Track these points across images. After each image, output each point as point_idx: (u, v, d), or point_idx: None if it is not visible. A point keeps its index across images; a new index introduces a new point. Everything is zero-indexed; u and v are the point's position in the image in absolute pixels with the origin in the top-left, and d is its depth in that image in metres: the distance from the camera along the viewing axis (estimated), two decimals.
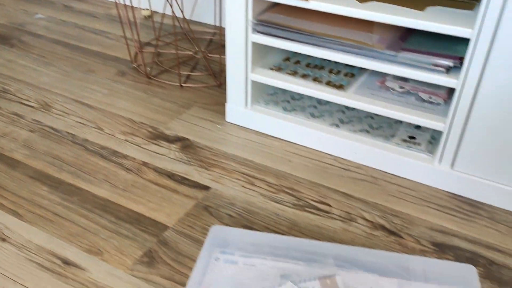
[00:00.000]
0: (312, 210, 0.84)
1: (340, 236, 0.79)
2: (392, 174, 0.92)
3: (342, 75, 0.99)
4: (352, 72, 1.01)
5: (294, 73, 0.99)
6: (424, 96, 0.91)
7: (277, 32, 0.93)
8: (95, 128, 1.04)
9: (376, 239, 0.78)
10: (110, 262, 0.72)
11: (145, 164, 0.94)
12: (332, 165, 0.95)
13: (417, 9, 0.82)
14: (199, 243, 0.77)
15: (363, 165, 0.94)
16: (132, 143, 0.99)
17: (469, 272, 0.68)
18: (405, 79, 0.94)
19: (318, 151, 0.98)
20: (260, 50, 1.01)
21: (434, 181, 0.89)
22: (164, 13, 1.49)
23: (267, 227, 0.80)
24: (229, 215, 0.82)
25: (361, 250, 0.72)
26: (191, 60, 1.34)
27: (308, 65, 1.03)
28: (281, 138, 1.02)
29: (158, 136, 1.02)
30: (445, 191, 0.88)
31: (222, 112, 1.10)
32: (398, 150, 0.91)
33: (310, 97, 1.07)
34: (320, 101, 1.06)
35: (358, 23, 0.92)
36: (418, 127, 0.97)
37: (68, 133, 1.02)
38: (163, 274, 0.70)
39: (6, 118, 1.06)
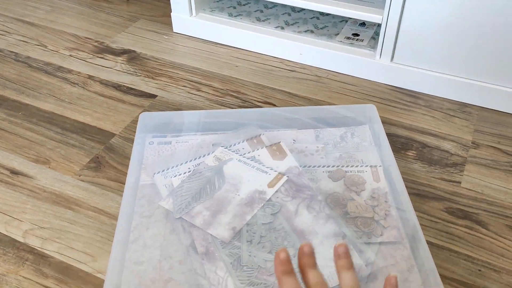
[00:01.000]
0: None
1: None
2: (336, 72, 0.93)
3: None
4: None
5: None
6: None
7: None
8: (38, 45, 1.02)
9: None
10: (58, 170, 0.74)
11: (91, 77, 0.93)
12: (277, 67, 0.95)
13: None
14: None
15: (308, 65, 0.95)
16: (77, 58, 0.98)
17: (371, 110, 0.78)
18: None
19: (264, 54, 0.98)
20: None
21: (376, 75, 0.90)
22: None
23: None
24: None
25: (279, 109, 0.79)
26: None
27: None
28: (228, 44, 1.01)
29: (103, 50, 1.00)
30: (386, 84, 0.90)
31: (169, 23, 1.07)
32: (341, 48, 0.92)
33: (256, 1, 1.05)
34: (266, 5, 1.04)
35: None
36: (362, 24, 0.97)
37: (11, 51, 1.00)
38: (110, 177, 0.73)
39: None
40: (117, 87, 0.90)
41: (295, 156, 0.71)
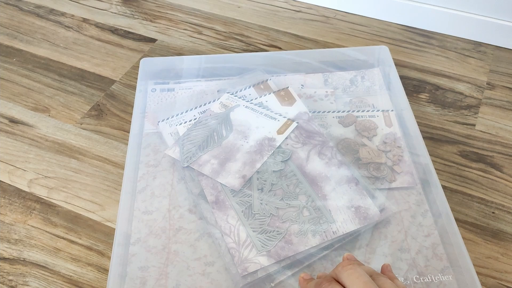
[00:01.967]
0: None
1: None
2: (344, 12, 0.88)
3: None
4: None
5: None
6: None
7: None
8: None
9: None
10: (58, 118, 0.72)
11: (85, 20, 0.88)
12: (282, 7, 0.90)
13: None
14: None
15: (315, 5, 0.90)
16: (69, 0, 0.93)
17: (383, 52, 0.74)
18: None
19: None
20: None
21: (387, 14, 0.86)
22: None
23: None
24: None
25: (286, 53, 0.76)
26: None
27: None
28: None
29: None
30: (397, 23, 0.86)
31: None
32: None
33: None
34: None
35: None
36: None
37: None
38: (113, 125, 0.70)
39: None
40: (114, 30, 0.86)
41: (304, 101, 0.68)
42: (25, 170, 0.64)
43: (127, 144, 0.63)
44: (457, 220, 0.58)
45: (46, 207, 0.60)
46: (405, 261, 0.52)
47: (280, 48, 0.82)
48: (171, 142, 0.64)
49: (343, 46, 0.82)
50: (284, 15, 0.88)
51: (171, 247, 0.54)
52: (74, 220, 0.59)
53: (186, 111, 0.68)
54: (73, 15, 0.89)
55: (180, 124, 0.66)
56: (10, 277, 0.54)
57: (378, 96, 0.70)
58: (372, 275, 0.41)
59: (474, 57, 0.80)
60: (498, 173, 0.63)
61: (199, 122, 0.65)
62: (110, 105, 0.73)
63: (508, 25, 0.79)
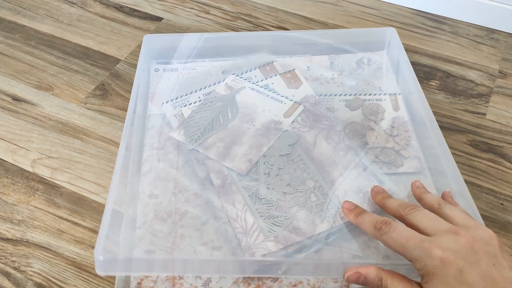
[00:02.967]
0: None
1: None
2: None
3: None
4: None
5: None
6: None
7: None
8: None
9: None
10: (62, 97, 0.70)
11: None
12: None
13: None
14: None
15: None
16: None
17: (390, 34, 0.73)
18: None
19: None
20: None
21: None
22: None
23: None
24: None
25: (292, 33, 0.76)
26: None
27: None
28: None
29: None
30: (409, 7, 0.84)
31: None
32: None
33: None
34: None
35: None
36: None
37: None
38: (117, 105, 0.69)
39: None
40: (119, 8, 0.84)
41: (310, 84, 0.67)
42: (28, 150, 0.63)
43: (132, 125, 0.62)
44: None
45: (50, 188, 0.60)
46: None
47: (288, 30, 0.80)
48: (175, 124, 0.63)
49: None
50: None
51: (178, 231, 0.53)
52: (78, 202, 0.58)
53: (191, 93, 0.67)
54: None
55: (185, 106, 0.65)
56: (14, 258, 0.53)
57: (385, 79, 0.69)
58: (437, 203, 0.47)
59: (487, 44, 0.78)
60: (508, 164, 0.62)
61: (204, 104, 0.64)
62: (115, 85, 0.72)
63: None
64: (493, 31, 0.80)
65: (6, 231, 0.55)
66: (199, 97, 0.66)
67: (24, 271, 0.52)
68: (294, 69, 0.68)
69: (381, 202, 0.50)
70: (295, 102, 0.63)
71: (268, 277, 0.49)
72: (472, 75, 0.73)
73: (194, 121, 0.62)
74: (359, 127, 0.63)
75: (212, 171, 0.56)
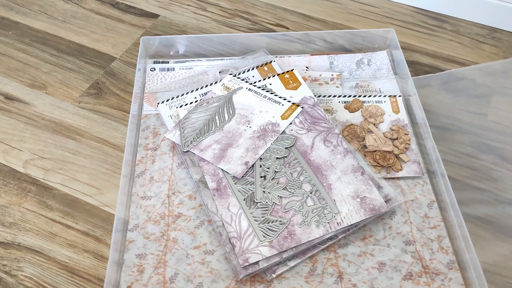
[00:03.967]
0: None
1: None
2: None
3: None
4: None
5: None
6: None
7: None
8: None
9: None
10: (55, 96, 0.69)
11: None
12: None
13: None
14: None
15: None
16: None
17: (390, 34, 0.72)
18: None
19: None
20: None
21: None
22: None
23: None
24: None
25: (289, 34, 0.73)
26: None
27: None
28: None
29: None
30: (409, 5, 0.83)
31: None
32: None
33: None
34: None
35: None
36: None
37: None
38: (112, 104, 0.68)
39: None
40: (115, 4, 0.83)
41: (309, 85, 0.66)
42: (20, 150, 0.62)
43: (126, 125, 0.61)
44: (465, 214, 0.56)
45: (42, 189, 0.59)
46: (410, 253, 0.51)
47: (287, 28, 0.79)
48: (171, 125, 0.62)
49: (353, 28, 0.79)
50: None
51: (170, 234, 0.52)
52: (71, 204, 0.57)
53: (187, 93, 0.66)
54: None
55: (181, 106, 0.64)
56: (4, 262, 0.52)
57: (385, 81, 0.68)
58: None
59: (488, 43, 0.77)
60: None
61: (200, 104, 0.63)
62: (109, 84, 0.71)
63: None
64: (495, 30, 0.79)
65: None
66: (195, 98, 0.65)
67: (15, 275, 0.51)
68: (293, 70, 0.66)
69: None
70: (293, 103, 0.62)
71: (261, 283, 0.48)
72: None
73: (190, 122, 0.61)
74: (358, 129, 0.62)
75: (207, 174, 0.55)
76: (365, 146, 0.60)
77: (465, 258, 0.50)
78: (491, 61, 0.74)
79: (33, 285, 0.50)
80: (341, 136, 0.59)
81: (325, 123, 0.60)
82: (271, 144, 0.58)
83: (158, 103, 0.64)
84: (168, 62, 0.70)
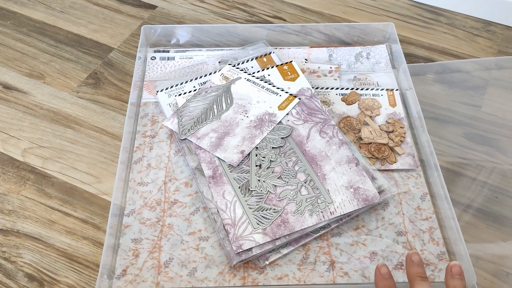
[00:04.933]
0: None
1: None
2: None
3: None
4: None
5: None
6: None
7: None
8: None
9: None
10: (54, 85, 0.70)
11: None
12: None
13: None
14: None
15: None
16: None
17: (389, 28, 0.73)
18: None
19: None
20: None
21: None
22: None
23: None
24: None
25: (290, 26, 0.74)
26: None
27: None
28: None
29: None
30: None
31: None
32: None
33: None
34: None
35: None
36: None
37: None
38: (110, 94, 0.69)
39: None
40: None
41: (307, 77, 0.66)
42: (19, 139, 0.63)
43: (125, 115, 0.61)
44: (459, 203, 0.57)
45: (41, 177, 0.59)
46: (401, 244, 0.52)
47: (284, 20, 0.79)
48: (169, 113, 0.63)
49: (350, 20, 0.79)
50: None
51: (166, 220, 0.53)
52: (70, 192, 0.58)
53: (186, 82, 0.66)
54: None
55: (180, 94, 0.64)
56: (4, 249, 0.53)
57: (383, 74, 0.68)
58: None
59: (483, 37, 0.77)
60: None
61: (199, 93, 0.63)
62: (107, 74, 0.71)
63: None
64: (489, 23, 0.79)
65: None
66: (194, 87, 0.65)
67: (14, 261, 0.52)
68: (292, 61, 0.67)
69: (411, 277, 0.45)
70: (290, 94, 0.63)
71: (254, 269, 0.49)
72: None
73: (188, 110, 0.61)
74: (354, 121, 0.63)
75: (203, 161, 0.56)
76: (360, 138, 0.61)
77: (455, 250, 0.51)
78: (485, 53, 0.74)
79: (32, 271, 0.51)
80: (337, 127, 0.59)
81: (322, 114, 0.61)
82: (268, 133, 0.59)
83: (157, 91, 0.65)
84: (168, 51, 0.70)
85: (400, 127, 0.61)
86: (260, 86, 0.64)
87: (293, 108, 0.61)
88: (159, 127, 0.61)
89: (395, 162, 0.58)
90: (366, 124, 0.62)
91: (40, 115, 0.65)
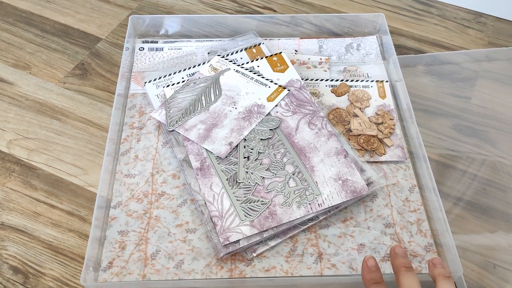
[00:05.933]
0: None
1: None
2: None
3: None
4: None
5: None
6: None
7: None
8: None
9: None
10: (40, 76, 0.69)
11: None
12: None
13: None
14: None
15: None
16: None
17: (380, 19, 0.72)
18: None
19: None
20: None
21: None
22: None
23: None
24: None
25: (279, 16, 0.74)
26: None
27: None
28: None
29: None
30: None
31: None
32: None
33: None
34: None
35: None
36: None
37: None
38: (97, 85, 0.68)
39: None
40: None
41: (297, 68, 0.66)
42: (4, 130, 0.62)
43: (112, 106, 0.61)
44: (448, 195, 0.57)
45: (26, 169, 0.58)
46: (389, 235, 0.52)
47: (274, 11, 0.78)
48: (157, 104, 0.62)
49: (340, 11, 0.79)
50: None
51: (153, 212, 0.52)
52: (55, 184, 0.57)
53: (175, 73, 0.65)
54: None
55: (168, 86, 0.63)
56: None
57: (373, 66, 0.68)
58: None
59: (474, 28, 0.77)
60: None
61: (187, 85, 0.63)
62: (95, 64, 0.70)
63: None
64: (480, 14, 0.79)
65: None
66: (182, 78, 0.65)
67: None
68: (281, 52, 0.66)
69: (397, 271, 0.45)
70: (279, 86, 0.62)
71: (241, 261, 0.49)
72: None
73: (176, 101, 0.61)
74: (343, 113, 0.62)
75: (191, 153, 0.55)
76: (350, 130, 0.61)
77: (443, 242, 0.51)
78: (476, 45, 0.74)
79: (17, 264, 0.50)
80: (325, 119, 0.59)
81: (311, 106, 0.60)
82: (256, 125, 0.58)
83: (145, 82, 0.64)
84: (157, 42, 0.69)
85: (390, 119, 0.61)
86: (249, 77, 0.63)
87: (282, 99, 0.60)
88: (147, 118, 0.60)
89: (384, 154, 0.58)
90: (356, 116, 0.62)
91: (26, 106, 0.64)
